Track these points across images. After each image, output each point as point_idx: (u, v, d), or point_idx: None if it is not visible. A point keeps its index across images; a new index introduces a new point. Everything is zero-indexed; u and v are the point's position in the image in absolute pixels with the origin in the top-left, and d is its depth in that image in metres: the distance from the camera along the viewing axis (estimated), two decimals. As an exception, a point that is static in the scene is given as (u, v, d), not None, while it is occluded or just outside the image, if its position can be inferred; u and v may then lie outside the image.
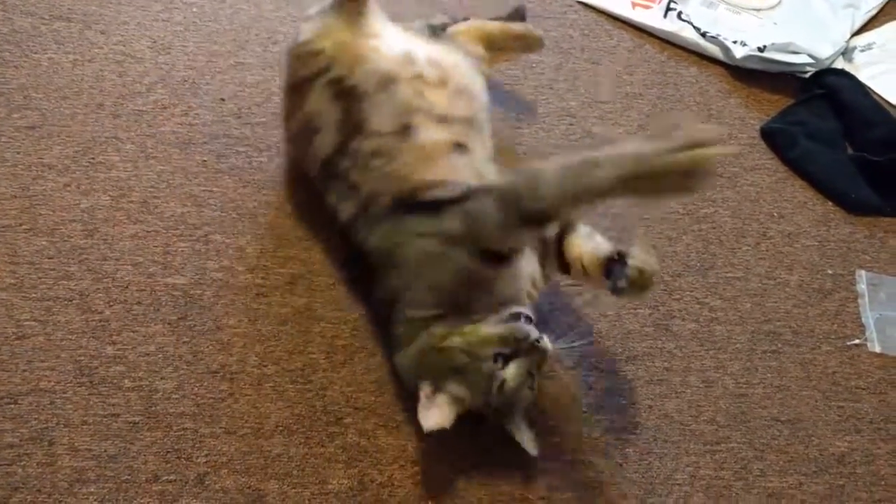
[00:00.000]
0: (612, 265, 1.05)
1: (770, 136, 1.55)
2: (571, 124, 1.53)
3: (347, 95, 1.16)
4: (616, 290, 1.04)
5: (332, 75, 1.17)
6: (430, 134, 1.11)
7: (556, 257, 1.12)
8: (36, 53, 1.46)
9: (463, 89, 1.19)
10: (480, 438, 1.09)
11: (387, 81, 1.14)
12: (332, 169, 1.17)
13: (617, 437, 1.12)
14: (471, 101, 1.19)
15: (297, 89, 1.23)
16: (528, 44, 1.47)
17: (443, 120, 1.13)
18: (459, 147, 1.12)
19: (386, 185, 1.10)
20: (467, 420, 1.11)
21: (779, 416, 1.17)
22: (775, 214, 1.44)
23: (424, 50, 1.21)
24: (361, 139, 1.13)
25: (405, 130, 1.11)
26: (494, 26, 1.43)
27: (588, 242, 1.10)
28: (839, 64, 1.69)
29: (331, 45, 1.19)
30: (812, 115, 1.58)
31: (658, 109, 1.58)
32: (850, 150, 1.56)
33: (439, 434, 1.08)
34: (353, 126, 1.14)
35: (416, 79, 1.15)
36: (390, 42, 1.20)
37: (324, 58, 1.19)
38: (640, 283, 1.03)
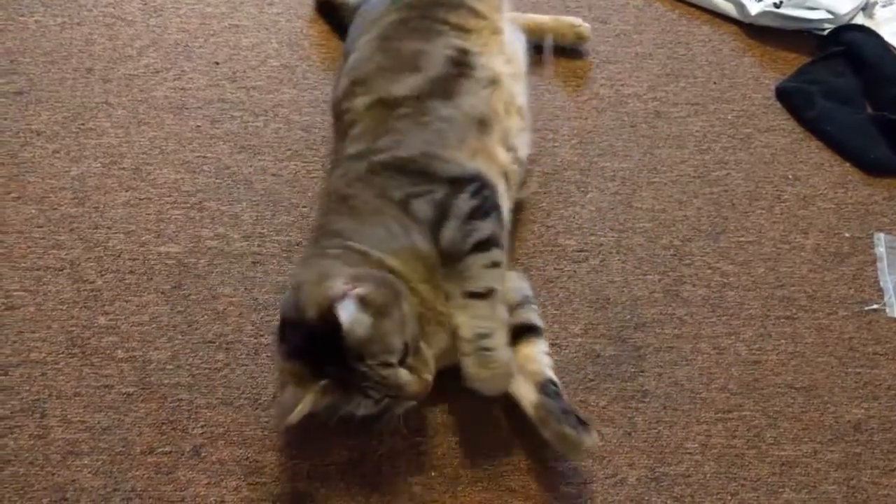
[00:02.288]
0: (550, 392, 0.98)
1: (786, 95, 1.49)
2: (578, 86, 1.48)
3: (461, 65, 1.14)
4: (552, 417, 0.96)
5: (462, 43, 1.17)
6: (494, 137, 1.12)
7: None
8: (22, 16, 1.41)
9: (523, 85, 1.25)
10: (483, 408, 1.06)
11: (494, 80, 1.17)
12: (391, 105, 1.09)
13: (625, 406, 1.08)
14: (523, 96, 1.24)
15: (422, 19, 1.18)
16: (579, 34, 1.49)
17: (506, 140, 1.14)
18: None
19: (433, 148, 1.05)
20: (469, 392, 1.08)
21: (793, 384, 1.13)
22: (790, 176, 1.38)
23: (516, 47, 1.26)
24: (441, 104, 1.09)
25: (481, 125, 1.11)
26: (543, 19, 1.47)
27: (544, 359, 1.03)
28: (859, 20, 1.62)
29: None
30: (830, 73, 1.52)
31: (668, 70, 1.52)
32: (869, 110, 1.49)
33: (442, 404, 1.05)
34: (444, 90, 1.11)
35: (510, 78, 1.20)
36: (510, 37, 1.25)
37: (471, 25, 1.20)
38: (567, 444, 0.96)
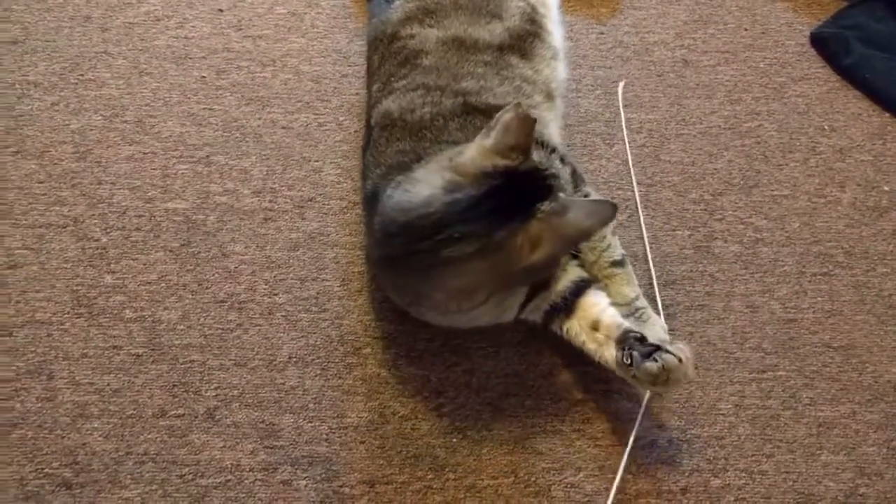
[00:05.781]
0: (633, 343, 0.91)
1: (821, 42, 1.41)
2: (602, 33, 1.40)
3: (534, 24, 1.13)
4: (632, 367, 0.89)
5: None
6: (551, 114, 1.10)
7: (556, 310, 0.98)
8: (15, -39, 1.34)
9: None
10: (509, 367, 1.02)
11: (555, 54, 1.15)
12: (470, 48, 1.05)
13: (655, 366, 1.04)
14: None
15: None
16: None
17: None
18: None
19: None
20: (494, 350, 1.03)
21: (830, 343, 1.08)
22: (826, 127, 1.32)
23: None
24: (520, 62, 1.08)
25: (548, 96, 1.10)
26: None
27: (609, 308, 0.97)
28: (898, -39, 1.53)
29: None
30: (869, 17, 1.44)
31: (696, 16, 1.44)
32: (909, 57, 1.42)
33: (464, 364, 1.01)
34: (521, 48, 1.09)
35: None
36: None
37: None
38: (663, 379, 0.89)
